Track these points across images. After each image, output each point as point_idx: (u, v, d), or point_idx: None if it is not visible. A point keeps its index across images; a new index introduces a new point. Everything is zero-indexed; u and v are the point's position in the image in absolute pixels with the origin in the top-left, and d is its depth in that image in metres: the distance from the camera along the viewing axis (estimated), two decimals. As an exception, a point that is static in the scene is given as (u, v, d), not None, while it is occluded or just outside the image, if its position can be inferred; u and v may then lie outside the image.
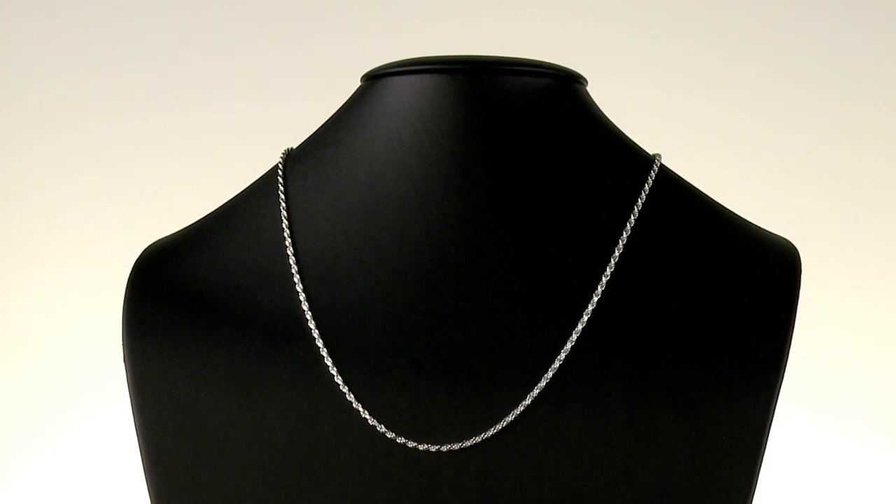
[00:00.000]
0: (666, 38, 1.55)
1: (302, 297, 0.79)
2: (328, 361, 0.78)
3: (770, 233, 0.85)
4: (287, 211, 0.82)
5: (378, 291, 0.79)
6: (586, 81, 0.85)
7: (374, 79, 0.85)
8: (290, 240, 0.81)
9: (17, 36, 1.59)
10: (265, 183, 0.85)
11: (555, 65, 0.84)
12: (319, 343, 0.78)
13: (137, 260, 0.85)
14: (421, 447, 0.76)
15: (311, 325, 0.79)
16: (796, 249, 0.83)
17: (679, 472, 0.76)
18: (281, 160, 0.86)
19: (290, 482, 0.76)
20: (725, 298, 0.80)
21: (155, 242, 0.87)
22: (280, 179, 0.84)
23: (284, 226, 0.82)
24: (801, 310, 0.80)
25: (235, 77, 1.57)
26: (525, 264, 0.79)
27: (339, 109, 0.87)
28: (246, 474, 0.77)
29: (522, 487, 0.76)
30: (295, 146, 0.88)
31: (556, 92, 0.83)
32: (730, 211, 0.85)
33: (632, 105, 1.52)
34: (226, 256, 0.82)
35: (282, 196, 0.83)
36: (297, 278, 0.80)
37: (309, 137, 0.87)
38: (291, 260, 0.80)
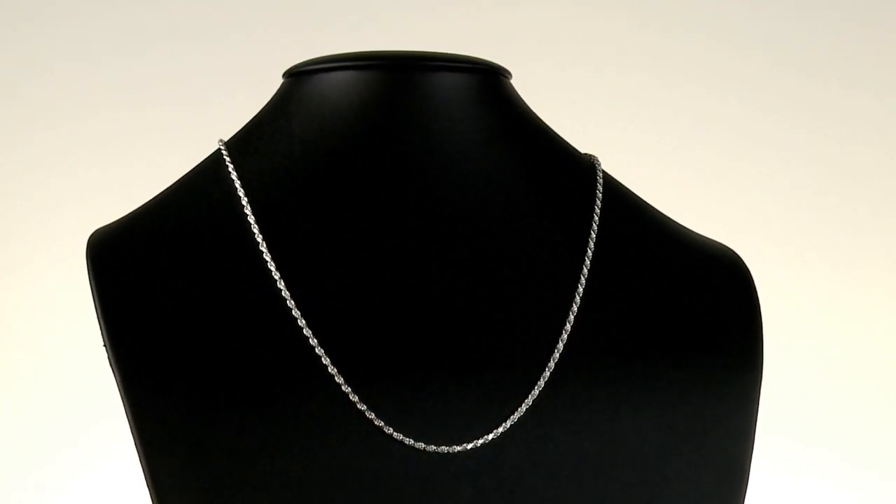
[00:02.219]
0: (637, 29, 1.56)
1: (291, 303, 0.76)
2: (325, 361, 0.75)
3: (708, 238, 0.87)
4: (250, 209, 0.79)
5: (366, 292, 0.77)
6: (510, 74, 0.85)
7: (299, 75, 0.83)
8: (261, 238, 0.78)
9: (15, 31, 1.56)
10: (212, 178, 0.81)
11: (480, 59, 0.83)
12: (313, 342, 0.75)
13: (95, 254, 0.79)
14: (441, 449, 0.75)
15: (302, 323, 0.76)
16: (735, 252, 0.86)
17: (674, 469, 0.78)
18: (224, 152, 0.83)
19: (312, 493, 0.74)
20: (691, 302, 0.82)
21: (100, 238, 0.80)
22: (233, 175, 0.81)
23: (251, 220, 0.79)
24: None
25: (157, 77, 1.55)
26: (504, 265, 0.79)
27: (270, 105, 0.84)
28: (265, 485, 0.73)
29: (539, 482, 0.76)
30: (226, 139, 0.84)
31: (490, 87, 0.83)
32: (665, 215, 0.87)
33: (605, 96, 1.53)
34: (194, 259, 0.78)
35: (240, 190, 0.80)
36: (281, 284, 0.76)
37: (242, 132, 0.84)
38: (272, 266, 0.77)
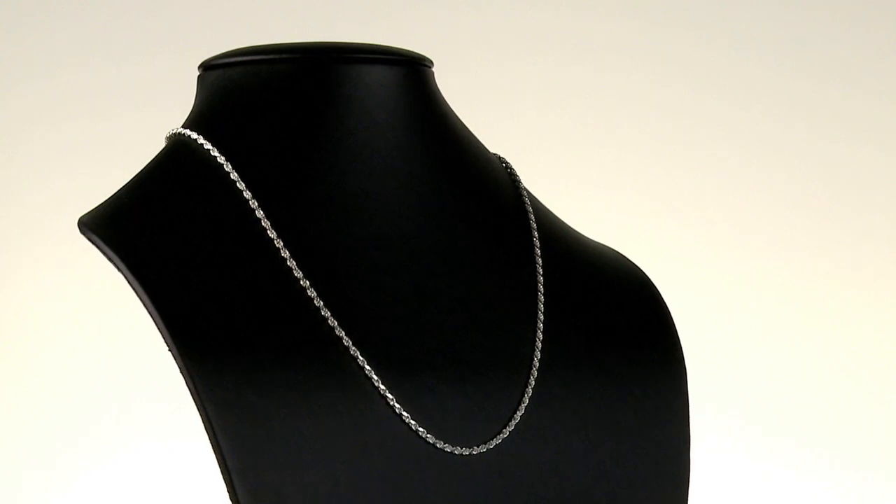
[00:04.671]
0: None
1: (319, 303, 0.75)
2: (362, 363, 0.75)
3: (600, 243, 0.90)
4: (256, 202, 0.77)
5: (376, 290, 0.76)
6: (432, 63, 0.84)
7: (217, 68, 0.82)
8: (275, 236, 0.76)
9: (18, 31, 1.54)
10: (186, 156, 0.79)
11: (402, 50, 0.83)
12: (347, 342, 0.75)
13: (102, 231, 0.76)
14: (465, 451, 0.75)
15: (333, 324, 0.75)
16: (625, 255, 0.89)
17: (639, 461, 0.81)
18: (190, 134, 0.80)
19: (356, 496, 0.73)
20: (615, 304, 0.85)
21: (94, 219, 0.78)
22: (227, 168, 0.78)
23: (261, 216, 0.77)
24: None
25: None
26: (460, 264, 0.80)
27: (200, 100, 0.83)
28: (322, 490, 0.72)
29: (550, 479, 0.77)
30: (186, 133, 0.81)
31: (412, 80, 0.82)
32: (560, 218, 0.89)
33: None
34: (199, 229, 0.76)
35: (239, 184, 0.78)
36: (306, 283, 0.75)
37: (187, 124, 0.82)
38: (291, 263, 0.75)
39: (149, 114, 1.44)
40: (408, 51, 0.83)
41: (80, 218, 0.78)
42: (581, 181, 1.53)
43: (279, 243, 0.76)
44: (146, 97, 1.50)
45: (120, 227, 0.76)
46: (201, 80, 0.83)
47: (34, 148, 1.51)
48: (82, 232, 0.77)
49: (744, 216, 1.56)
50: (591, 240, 0.89)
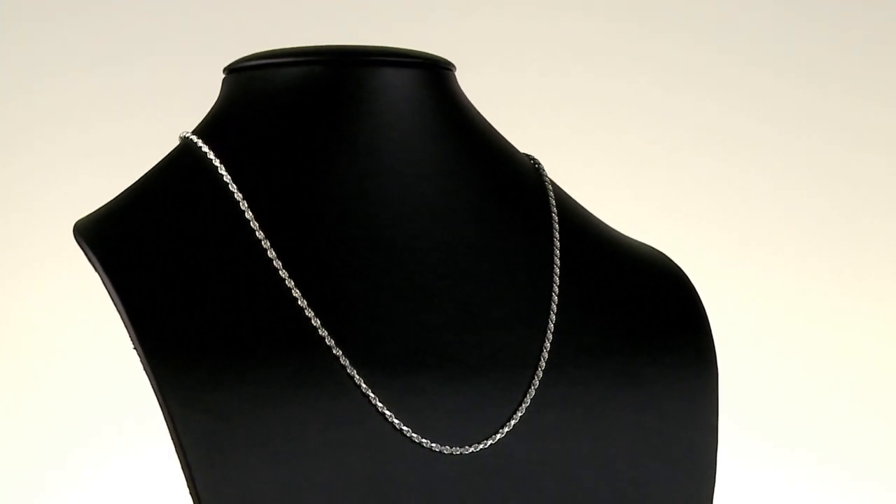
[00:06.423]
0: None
1: (303, 303, 0.75)
2: (344, 362, 0.74)
3: (640, 242, 0.88)
4: (251, 210, 0.77)
5: (369, 290, 0.76)
6: (454, 67, 0.84)
7: (242, 70, 0.82)
8: (263, 236, 0.76)
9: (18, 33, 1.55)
10: (188, 162, 0.80)
11: (424, 53, 0.83)
12: (330, 343, 0.74)
13: (91, 239, 0.77)
14: (456, 451, 0.75)
15: (316, 323, 0.75)
16: (665, 254, 0.88)
17: (654, 466, 0.80)
18: (195, 139, 0.81)
19: (338, 498, 0.73)
20: (646, 305, 0.84)
21: (88, 225, 0.78)
22: (224, 175, 0.79)
23: (250, 217, 0.77)
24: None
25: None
26: (474, 262, 0.79)
27: (221, 101, 0.83)
28: (293, 486, 0.72)
29: (547, 480, 0.77)
30: (190, 136, 0.82)
31: (435, 82, 0.82)
32: (599, 219, 0.88)
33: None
34: (191, 239, 0.76)
35: (231, 186, 0.78)
36: (291, 283, 0.75)
37: (201, 127, 0.83)
38: (277, 263, 0.76)
39: (157, 118, 1.46)
40: (427, 53, 0.82)
41: (76, 222, 0.79)
42: (600, 185, 1.51)
43: (266, 244, 0.76)
44: (153, 101, 1.52)
45: (107, 230, 0.77)
46: (223, 83, 0.84)
47: (37, 150, 1.52)
48: (74, 236, 0.78)
49: (749, 217, 1.56)
50: (628, 238, 0.88)
